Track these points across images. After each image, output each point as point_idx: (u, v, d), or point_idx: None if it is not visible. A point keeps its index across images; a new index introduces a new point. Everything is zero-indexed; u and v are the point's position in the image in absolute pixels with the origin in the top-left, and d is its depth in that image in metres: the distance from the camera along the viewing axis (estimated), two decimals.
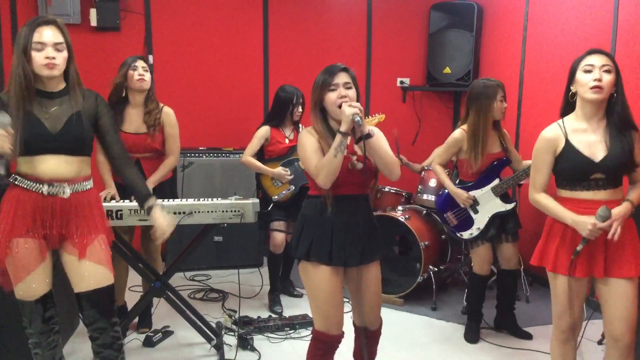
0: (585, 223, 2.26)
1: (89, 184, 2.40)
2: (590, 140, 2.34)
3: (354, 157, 2.32)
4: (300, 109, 3.94)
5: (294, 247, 2.42)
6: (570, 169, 2.34)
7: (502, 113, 3.41)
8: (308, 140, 2.35)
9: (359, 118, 2.16)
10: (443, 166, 3.58)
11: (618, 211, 2.28)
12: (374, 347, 2.61)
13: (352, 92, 2.29)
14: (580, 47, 4.15)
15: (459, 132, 3.46)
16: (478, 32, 5.27)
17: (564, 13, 4.35)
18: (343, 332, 2.43)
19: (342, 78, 2.28)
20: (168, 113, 3.40)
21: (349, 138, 2.25)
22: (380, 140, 2.32)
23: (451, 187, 3.53)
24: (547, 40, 4.51)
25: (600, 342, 3.46)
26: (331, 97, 2.28)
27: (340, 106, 2.24)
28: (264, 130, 3.90)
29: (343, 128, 2.18)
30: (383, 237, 2.50)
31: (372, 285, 2.44)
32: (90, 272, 2.34)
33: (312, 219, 2.38)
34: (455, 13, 5.31)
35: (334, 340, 2.39)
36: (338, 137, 2.19)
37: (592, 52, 2.34)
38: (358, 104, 2.22)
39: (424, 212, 4.40)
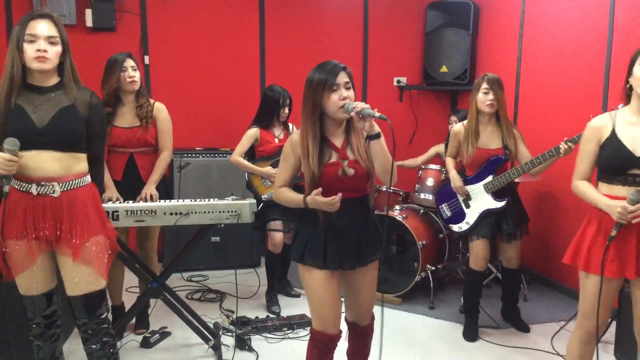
0: (615, 206, 2.22)
1: (82, 181, 2.35)
2: (638, 134, 2.28)
3: (345, 162, 2.29)
4: (287, 110, 3.96)
5: (292, 248, 2.42)
6: (610, 160, 2.30)
7: (486, 106, 3.40)
8: (287, 150, 2.37)
9: (373, 112, 2.14)
10: (453, 158, 3.70)
11: None
12: (366, 343, 2.62)
13: (352, 93, 2.25)
14: (576, 44, 4.18)
15: (458, 125, 3.61)
16: (474, 31, 5.27)
17: (560, 11, 4.35)
18: (340, 332, 2.44)
19: (342, 78, 2.23)
20: (160, 108, 3.40)
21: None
22: (384, 144, 2.27)
23: (452, 173, 3.65)
24: (544, 38, 4.52)
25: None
26: (333, 98, 2.22)
27: (342, 107, 2.21)
28: (253, 131, 3.93)
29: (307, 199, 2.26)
30: (380, 237, 2.45)
31: (368, 286, 2.45)
32: (81, 276, 2.31)
33: (306, 221, 2.36)
34: (452, 12, 5.31)
35: (330, 339, 2.38)
36: (300, 201, 2.28)
37: None
38: (362, 103, 2.19)
39: (422, 211, 4.40)
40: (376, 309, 2.57)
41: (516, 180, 3.54)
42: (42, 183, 2.26)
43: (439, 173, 4.37)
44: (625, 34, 3.77)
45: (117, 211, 2.91)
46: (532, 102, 4.65)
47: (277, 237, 3.93)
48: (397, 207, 4.32)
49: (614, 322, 3.33)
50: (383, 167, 2.25)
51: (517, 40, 4.79)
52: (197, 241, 3.27)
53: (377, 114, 2.13)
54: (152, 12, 4.94)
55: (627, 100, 2.36)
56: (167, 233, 4.62)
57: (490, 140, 3.46)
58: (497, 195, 3.48)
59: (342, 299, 2.51)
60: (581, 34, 4.14)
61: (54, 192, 2.27)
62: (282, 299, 4.17)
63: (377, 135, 2.20)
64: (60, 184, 2.28)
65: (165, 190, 3.51)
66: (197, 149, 4.93)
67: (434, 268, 4.19)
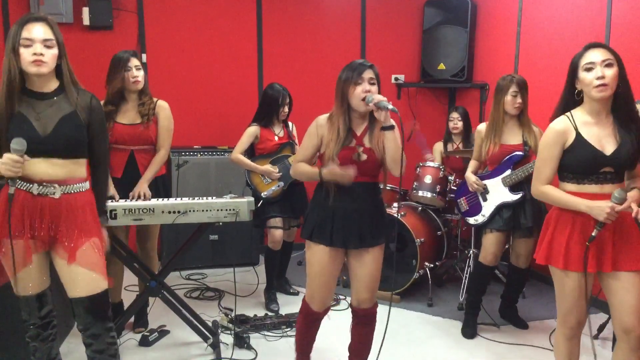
0: (602, 207, 2.23)
1: (83, 187, 2.35)
2: (600, 133, 2.32)
3: (360, 149, 2.53)
4: (286, 109, 3.97)
5: (302, 227, 2.68)
6: (582, 162, 2.32)
7: (514, 108, 3.48)
8: (311, 130, 2.62)
9: (388, 104, 2.39)
10: (477, 160, 3.72)
11: (632, 194, 2.27)
12: (367, 333, 2.73)
13: (375, 88, 2.50)
14: (574, 41, 4.17)
15: (482, 125, 3.67)
16: (472, 28, 5.26)
17: (558, 8, 4.35)
18: (324, 311, 2.69)
19: (367, 74, 2.49)
20: (163, 106, 3.40)
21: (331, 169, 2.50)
22: (397, 137, 2.49)
23: (467, 173, 3.73)
24: (541, 35, 4.52)
25: (596, 337, 3.48)
26: (357, 90, 2.48)
27: (364, 99, 2.45)
28: (254, 129, 3.94)
29: (325, 173, 2.51)
30: (387, 224, 2.66)
31: (369, 266, 2.61)
32: (83, 277, 2.30)
33: (318, 203, 2.62)
34: (449, 9, 5.31)
35: (312, 314, 2.68)
36: (316, 173, 2.54)
37: (590, 46, 2.31)
38: (381, 96, 2.44)
39: (420, 208, 4.41)
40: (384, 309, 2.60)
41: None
42: (44, 184, 2.25)
43: (437, 170, 4.37)
44: (623, 30, 3.77)
45: (115, 210, 2.90)
46: (529, 99, 4.63)
47: (277, 234, 3.94)
48: (395, 204, 4.31)
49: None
50: (392, 156, 2.48)
51: (514, 37, 4.79)
52: (195, 239, 3.26)
53: (390, 107, 2.39)
54: (149, 10, 4.94)
55: (571, 107, 2.40)
56: (166, 231, 4.61)
57: (511, 136, 3.52)
58: (514, 188, 3.51)
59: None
60: (578, 31, 4.14)
61: (54, 193, 2.27)
62: (281, 297, 4.17)
63: (391, 127, 2.45)
64: (62, 187, 2.28)
65: (164, 187, 3.51)
66: (195, 147, 4.93)
67: (432, 265, 4.20)
